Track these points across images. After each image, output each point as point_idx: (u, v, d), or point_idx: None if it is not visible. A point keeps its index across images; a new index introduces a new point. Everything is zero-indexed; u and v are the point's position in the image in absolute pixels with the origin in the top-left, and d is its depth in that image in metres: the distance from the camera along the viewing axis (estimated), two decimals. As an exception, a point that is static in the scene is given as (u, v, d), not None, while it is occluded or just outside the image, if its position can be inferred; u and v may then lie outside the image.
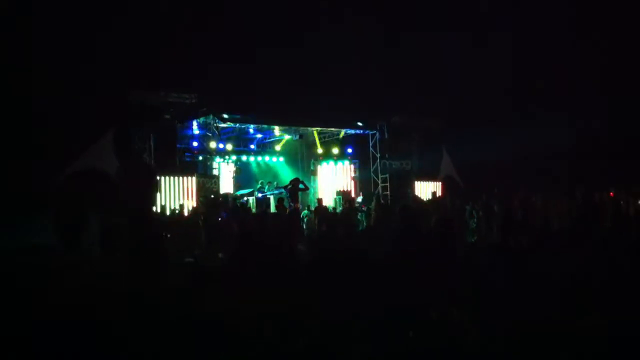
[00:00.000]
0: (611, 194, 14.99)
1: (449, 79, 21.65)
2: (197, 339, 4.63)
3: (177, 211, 15.84)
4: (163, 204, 16.03)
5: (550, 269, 5.29)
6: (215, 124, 17.97)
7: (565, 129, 19.66)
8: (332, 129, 20.59)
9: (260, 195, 18.41)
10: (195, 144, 17.88)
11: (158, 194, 15.76)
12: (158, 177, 15.76)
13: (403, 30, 21.82)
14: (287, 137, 20.98)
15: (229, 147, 19.41)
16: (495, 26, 21.58)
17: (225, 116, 17.53)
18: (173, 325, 4.93)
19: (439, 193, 19.69)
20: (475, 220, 13.27)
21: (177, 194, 16.40)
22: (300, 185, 16.83)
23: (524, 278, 5.04)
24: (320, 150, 21.12)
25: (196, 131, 17.96)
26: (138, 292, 6.62)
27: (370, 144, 21.20)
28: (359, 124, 20.27)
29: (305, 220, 14.50)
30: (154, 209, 15.08)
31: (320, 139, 20.87)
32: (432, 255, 5.78)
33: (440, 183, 20.95)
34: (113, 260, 9.55)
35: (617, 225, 8.58)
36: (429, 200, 17.54)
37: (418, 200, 17.64)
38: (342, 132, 20.75)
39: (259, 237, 9.30)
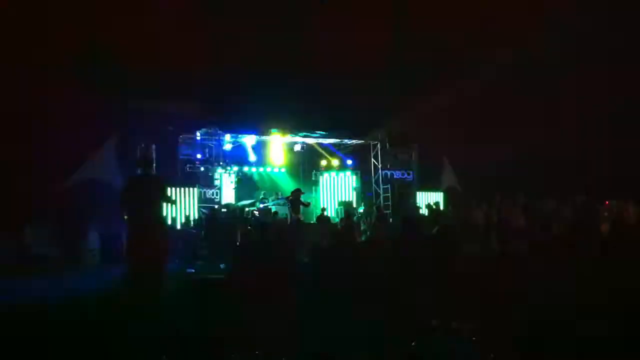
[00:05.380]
0: (606, 202, 15.04)
1: (449, 84, 21.53)
2: (197, 347, 4.63)
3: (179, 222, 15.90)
4: (165, 214, 16.02)
5: (549, 276, 5.28)
6: (216, 135, 18.06)
7: (565, 135, 19.61)
8: (333, 140, 20.64)
9: (261, 205, 18.42)
10: (198, 155, 17.96)
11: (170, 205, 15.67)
12: (168, 188, 15.69)
13: (402, 36, 21.74)
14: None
15: (230, 158, 19.46)
16: (495, 23, 21.45)
17: (227, 127, 17.62)
18: (171, 333, 4.93)
19: (440, 203, 19.65)
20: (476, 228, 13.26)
21: (178, 205, 16.41)
22: (302, 199, 16.81)
23: (523, 285, 5.03)
24: (323, 162, 21.24)
25: (197, 142, 18.03)
26: (138, 300, 6.62)
27: (372, 155, 21.23)
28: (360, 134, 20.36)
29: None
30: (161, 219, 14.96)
31: (322, 149, 20.99)
32: (432, 264, 5.77)
33: (442, 193, 20.93)
34: (114, 269, 9.51)
35: (615, 233, 8.57)
36: (431, 210, 17.55)
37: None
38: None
39: (260, 247, 9.27)
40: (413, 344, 4.47)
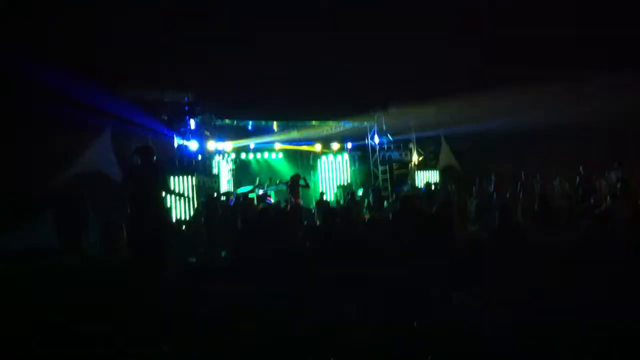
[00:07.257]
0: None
1: (444, 60, 21.29)
2: (198, 333, 4.67)
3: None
4: (167, 204, 16.01)
5: (548, 251, 5.31)
6: (212, 122, 18.00)
7: (567, 109, 19.39)
8: (330, 122, 20.56)
9: (260, 192, 18.45)
10: (193, 143, 17.91)
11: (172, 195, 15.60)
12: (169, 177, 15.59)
13: (396, 15, 21.50)
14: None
15: (228, 145, 19.42)
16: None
17: (222, 114, 17.59)
18: (174, 321, 4.97)
19: (438, 182, 19.66)
20: (475, 207, 13.28)
21: (179, 195, 16.39)
22: (302, 182, 16.80)
23: (523, 260, 5.05)
24: (318, 146, 21.21)
25: (193, 130, 17.98)
26: (139, 290, 6.65)
27: (370, 136, 21.19)
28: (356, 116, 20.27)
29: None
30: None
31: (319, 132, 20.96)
32: (431, 242, 5.79)
33: (440, 172, 20.95)
34: (114, 259, 9.53)
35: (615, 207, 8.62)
36: (427, 189, 17.56)
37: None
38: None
39: (262, 231, 9.29)
40: (415, 323, 4.50)
